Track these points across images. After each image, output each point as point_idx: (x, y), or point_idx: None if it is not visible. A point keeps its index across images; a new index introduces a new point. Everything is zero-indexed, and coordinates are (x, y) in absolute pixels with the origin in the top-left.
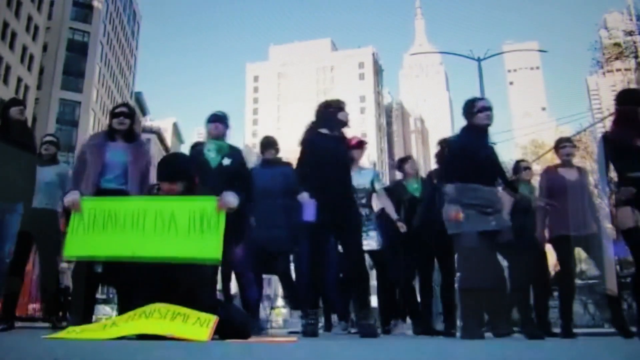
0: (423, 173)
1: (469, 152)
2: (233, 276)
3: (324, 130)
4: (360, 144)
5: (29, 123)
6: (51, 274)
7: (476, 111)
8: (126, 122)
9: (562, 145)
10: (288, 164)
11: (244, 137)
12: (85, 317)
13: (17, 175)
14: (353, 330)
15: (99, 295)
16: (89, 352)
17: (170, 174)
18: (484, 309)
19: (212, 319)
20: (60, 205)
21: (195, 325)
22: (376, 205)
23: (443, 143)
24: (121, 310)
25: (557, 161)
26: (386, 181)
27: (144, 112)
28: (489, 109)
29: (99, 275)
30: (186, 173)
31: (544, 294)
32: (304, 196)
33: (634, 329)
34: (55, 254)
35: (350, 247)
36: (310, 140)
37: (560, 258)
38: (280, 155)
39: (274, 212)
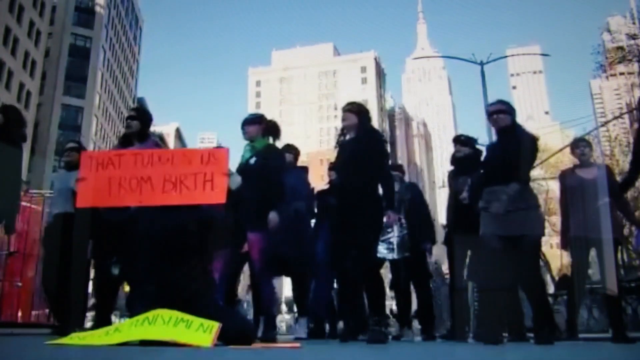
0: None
1: (486, 156)
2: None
3: (346, 136)
4: None
5: (30, 129)
6: (80, 280)
7: (487, 116)
8: (132, 125)
9: (577, 145)
10: (302, 168)
11: None
12: (102, 321)
13: None
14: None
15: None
16: (91, 358)
17: None
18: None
19: (215, 325)
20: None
21: (199, 331)
22: None
23: (454, 141)
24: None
25: (562, 165)
26: None
27: None
28: (495, 112)
29: (116, 278)
30: None
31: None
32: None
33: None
34: (83, 258)
35: (361, 251)
36: (338, 147)
37: (574, 260)
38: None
39: (285, 216)
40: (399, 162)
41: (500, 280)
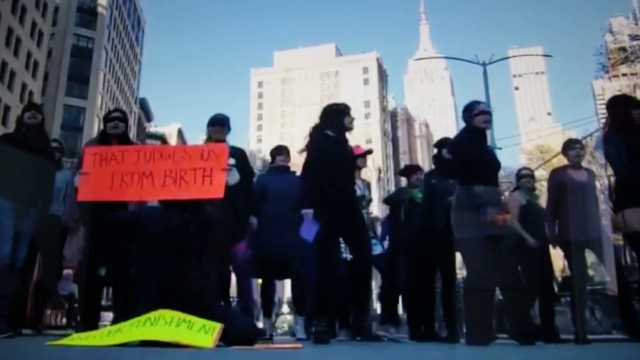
0: None
1: (472, 154)
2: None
3: (329, 132)
4: (367, 153)
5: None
6: (53, 279)
7: (475, 114)
8: (120, 126)
9: (572, 146)
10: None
11: (248, 142)
12: (92, 322)
13: (30, 180)
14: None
15: (104, 302)
16: (92, 358)
17: None
18: (491, 312)
19: (217, 326)
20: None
21: (200, 332)
22: (381, 212)
23: (440, 145)
24: (117, 314)
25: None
26: (391, 186)
27: (148, 118)
28: (487, 112)
29: (102, 278)
30: None
31: (549, 299)
32: (308, 213)
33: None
34: (57, 258)
35: (360, 248)
36: (318, 143)
37: (572, 263)
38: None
39: (281, 219)
40: (402, 163)
41: (485, 280)
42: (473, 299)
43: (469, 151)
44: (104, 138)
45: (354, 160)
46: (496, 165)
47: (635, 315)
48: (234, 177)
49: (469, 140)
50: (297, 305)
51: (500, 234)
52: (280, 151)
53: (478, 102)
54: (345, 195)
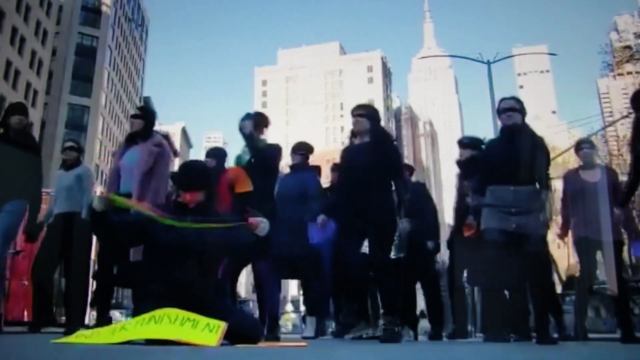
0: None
1: (492, 154)
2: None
3: (355, 140)
4: None
5: (37, 128)
6: (79, 278)
7: (499, 112)
8: (134, 124)
9: (580, 146)
10: (313, 168)
11: None
12: (104, 320)
13: (8, 175)
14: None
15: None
16: (97, 356)
17: (190, 183)
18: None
19: (221, 325)
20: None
21: (205, 331)
22: None
23: (462, 145)
24: (135, 313)
25: (569, 165)
26: None
27: None
28: (509, 109)
29: (113, 278)
30: (207, 181)
31: (546, 297)
32: (320, 218)
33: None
34: (81, 256)
35: (373, 250)
36: (343, 151)
37: (581, 262)
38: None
39: (294, 218)
40: (405, 161)
41: (504, 279)
42: (493, 298)
43: (489, 151)
44: (129, 137)
45: (378, 162)
46: (513, 163)
47: (630, 322)
48: (265, 228)
49: (496, 140)
50: (307, 305)
51: (522, 232)
52: (293, 151)
53: (502, 99)
54: (361, 198)
